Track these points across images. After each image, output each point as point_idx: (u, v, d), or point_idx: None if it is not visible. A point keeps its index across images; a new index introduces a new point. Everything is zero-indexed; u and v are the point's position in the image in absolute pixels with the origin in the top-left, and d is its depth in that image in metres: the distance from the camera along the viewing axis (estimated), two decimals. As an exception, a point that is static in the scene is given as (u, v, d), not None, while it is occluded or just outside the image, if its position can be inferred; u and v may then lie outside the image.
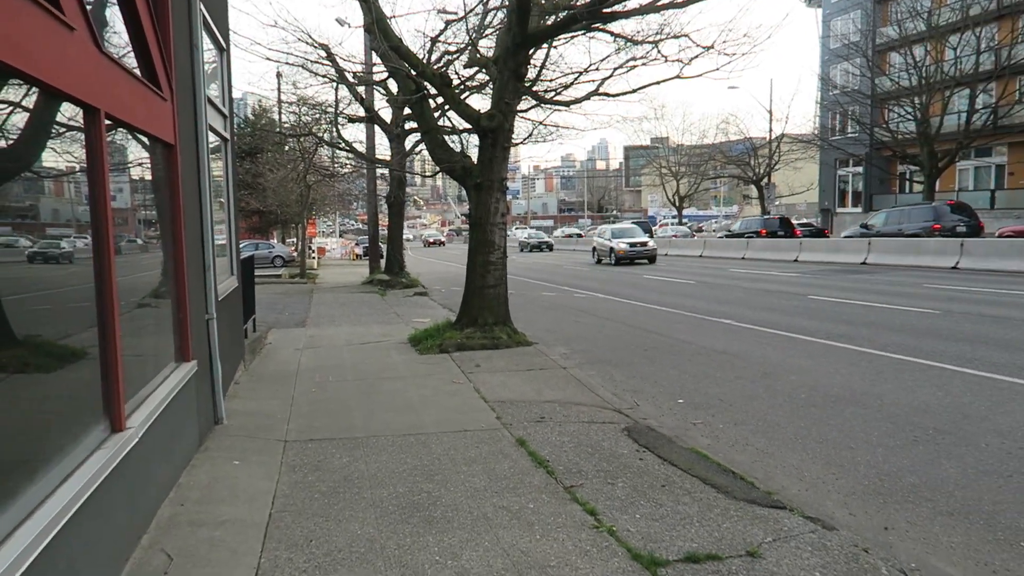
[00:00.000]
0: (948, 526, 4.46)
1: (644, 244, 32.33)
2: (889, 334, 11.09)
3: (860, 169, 45.52)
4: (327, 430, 6.60)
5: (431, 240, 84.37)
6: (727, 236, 41.92)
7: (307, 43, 18.44)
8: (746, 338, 11.38)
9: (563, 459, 5.61)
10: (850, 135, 43.27)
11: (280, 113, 31.04)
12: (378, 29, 12.06)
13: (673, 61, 12.61)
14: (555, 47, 14.88)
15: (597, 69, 14.84)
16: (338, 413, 7.23)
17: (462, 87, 19.49)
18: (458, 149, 15.49)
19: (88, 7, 3.73)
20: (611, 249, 32.57)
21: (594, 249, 36.30)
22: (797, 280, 21.55)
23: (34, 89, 3.21)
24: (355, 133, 34.91)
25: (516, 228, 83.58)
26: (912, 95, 35.58)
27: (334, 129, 23.22)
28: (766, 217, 40.59)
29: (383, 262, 28.28)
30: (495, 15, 17.02)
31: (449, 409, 7.23)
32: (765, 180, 47.56)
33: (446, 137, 14.73)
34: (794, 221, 41.18)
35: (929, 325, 11.83)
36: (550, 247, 57.66)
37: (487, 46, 17.13)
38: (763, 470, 5.52)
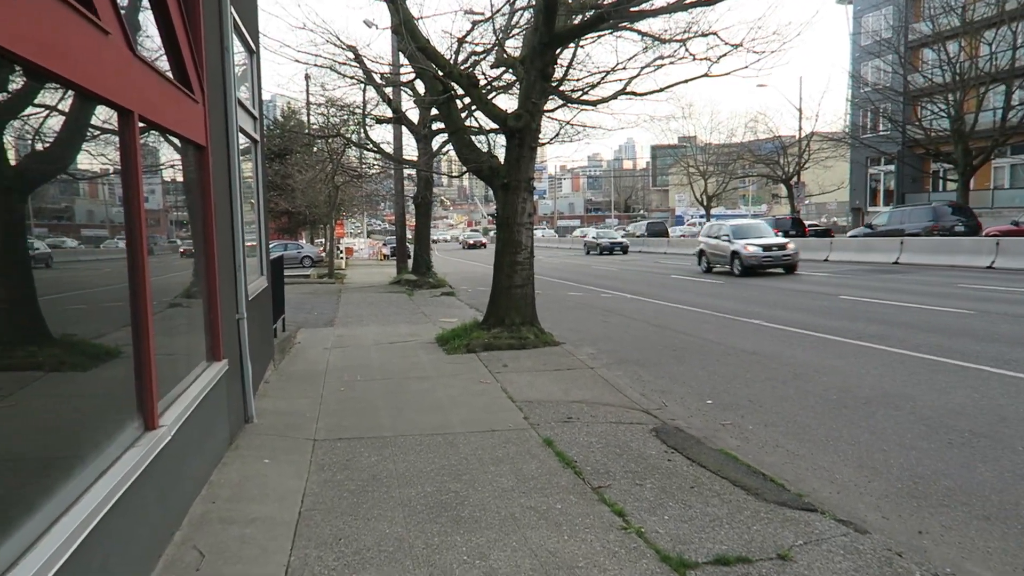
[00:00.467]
0: (984, 531, 4.37)
1: (783, 247, 23.93)
2: (922, 334, 10.90)
3: (892, 167, 44.84)
4: (355, 429, 6.64)
5: (471, 242, 75.60)
6: None
7: (335, 45, 18.55)
8: (776, 338, 11.26)
9: (591, 460, 5.59)
10: (882, 133, 42.63)
11: (308, 115, 31.32)
12: (405, 30, 12.11)
13: (701, 60, 12.52)
14: (582, 46, 14.85)
15: (624, 68, 14.80)
16: (366, 412, 7.27)
17: (489, 87, 19.53)
18: (485, 149, 15.54)
19: (122, 11, 3.78)
20: (734, 254, 24.24)
21: (701, 253, 27.49)
22: (827, 280, 21.27)
23: (70, 92, 3.27)
24: (383, 134, 35.11)
25: (539, 228, 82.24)
26: (946, 92, 34.96)
27: (362, 130, 23.39)
28: (777, 217, 40.97)
29: (410, 262, 28.41)
30: (522, 15, 17.03)
31: (476, 409, 7.24)
32: (795, 179, 47.03)
33: (473, 137, 14.77)
34: (814, 221, 41.31)
35: (964, 325, 11.61)
36: (624, 249, 47.15)
37: (514, 46, 17.15)
38: (794, 472, 5.45)
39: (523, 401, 7.47)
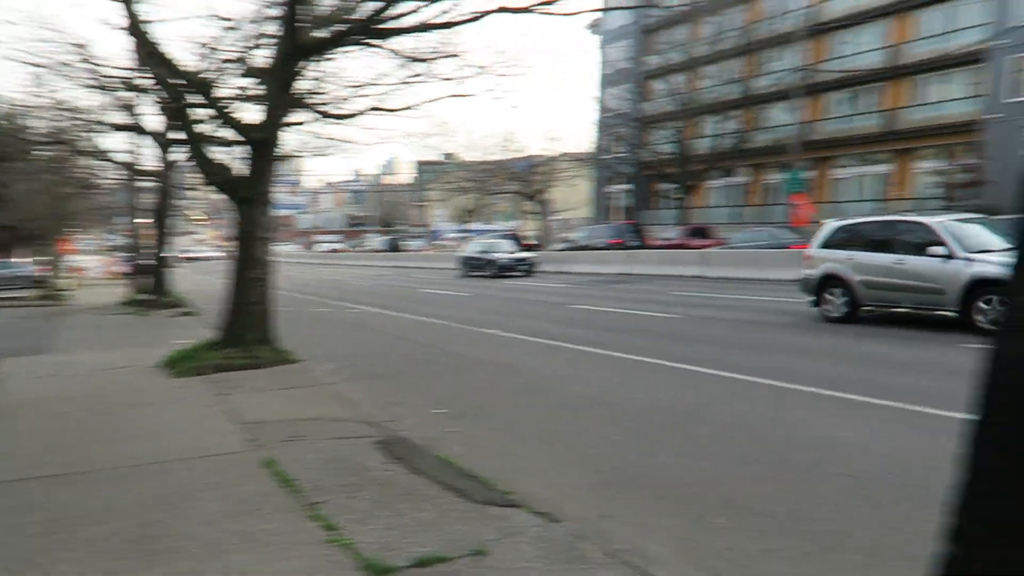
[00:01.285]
0: (660, 511, 4.92)
1: None
2: (638, 338, 12.06)
3: (630, 186, 49.13)
4: (57, 466, 6.01)
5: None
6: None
7: (59, 42, 16.87)
8: (514, 347, 11.88)
9: (311, 477, 5.52)
10: (621, 155, 46.65)
11: (27, 118, 27.99)
12: (135, 32, 11.27)
13: (450, 79, 12.96)
14: (332, 60, 14.69)
15: (376, 84, 14.87)
16: (73, 447, 6.62)
17: (244, 97, 18.68)
18: (230, 161, 14.81)
19: None
20: None
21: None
22: (563, 290, 22.99)
23: None
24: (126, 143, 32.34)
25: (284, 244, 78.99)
26: (672, 119, 39.21)
27: (91, 136, 21.42)
28: (504, 231, 47.35)
29: (149, 281, 26.26)
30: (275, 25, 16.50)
31: (198, 433, 6.88)
32: (541, 195, 50.08)
33: (219, 148, 14.03)
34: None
35: (672, 329, 13.01)
36: (528, 270, 32.75)
37: (268, 55, 16.57)
38: (508, 472, 5.75)
39: (250, 422, 7.20)
